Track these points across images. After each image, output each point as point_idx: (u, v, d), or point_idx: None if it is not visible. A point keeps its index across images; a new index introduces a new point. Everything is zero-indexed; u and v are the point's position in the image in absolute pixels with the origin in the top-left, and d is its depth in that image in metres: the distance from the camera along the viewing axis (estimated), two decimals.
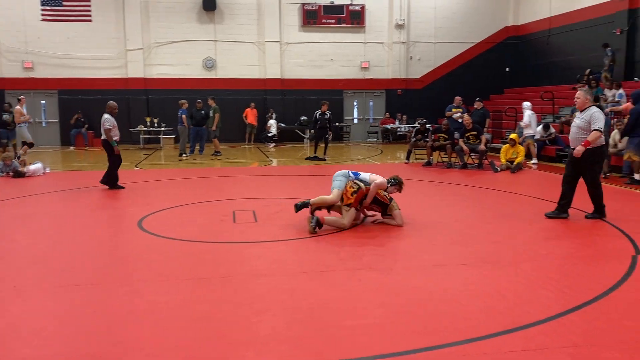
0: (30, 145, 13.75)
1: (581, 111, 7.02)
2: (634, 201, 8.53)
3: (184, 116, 15.77)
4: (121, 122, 20.07)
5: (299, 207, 6.75)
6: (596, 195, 7.03)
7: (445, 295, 4.23)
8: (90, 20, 19.99)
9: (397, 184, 6.99)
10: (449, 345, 3.35)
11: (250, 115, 20.61)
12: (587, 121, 6.83)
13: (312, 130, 15.47)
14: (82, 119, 19.74)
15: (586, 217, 7.12)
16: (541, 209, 7.76)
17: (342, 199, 6.58)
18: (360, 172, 6.87)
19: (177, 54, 20.76)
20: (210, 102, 16.27)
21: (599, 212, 7.06)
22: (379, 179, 6.73)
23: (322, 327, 3.64)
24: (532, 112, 14.33)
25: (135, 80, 20.48)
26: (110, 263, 5.23)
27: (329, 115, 15.35)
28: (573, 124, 7.14)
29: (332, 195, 6.65)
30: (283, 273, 4.82)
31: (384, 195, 6.76)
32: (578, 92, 7.16)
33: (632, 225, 6.63)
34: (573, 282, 4.53)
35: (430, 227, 6.64)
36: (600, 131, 6.74)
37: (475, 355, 3.22)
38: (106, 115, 9.87)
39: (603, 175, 9.83)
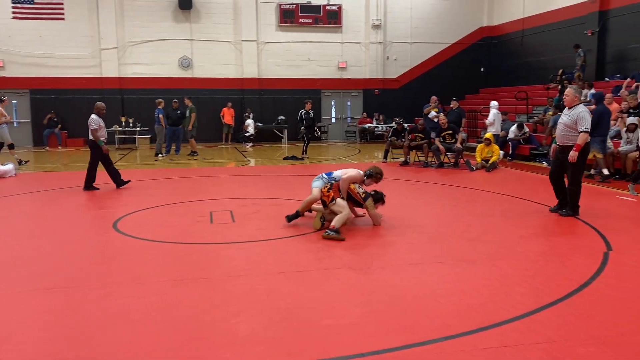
0: (11, 146, 13.44)
1: (569, 108, 7.11)
2: (604, 199, 8.71)
3: (161, 115, 15.60)
4: None
5: (291, 219, 6.74)
6: (574, 193, 7.15)
7: (422, 293, 4.26)
8: (63, 19, 19.64)
9: (373, 175, 6.91)
10: (426, 343, 3.37)
11: (227, 115, 20.49)
12: (574, 120, 6.93)
13: (302, 129, 15.54)
14: (55, 119, 19.38)
15: (561, 214, 7.23)
16: (516, 207, 7.88)
17: (324, 202, 6.53)
18: (334, 172, 6.89)
19: (153, 53, 20.53)
20: (187, 101, 16.12)
21: (573, 209, 7.17)
22: (350, 172, 6.70)
23: (300, 327, 3.63)
24: (498, 111, 14.73)
25: (110, 80, 20.19)
26: (85, 266, 5.13)
27: (312, 114, 15.62)
28: (560, 121, 7.25)
29: (313, 193, 6.69)
30: (261, 273, 4.80)
31: (358, 192, 6.64)
32: (567, 90, 7.23)
33: (603, 222, 6.77)
34: (547, 279, 4.60)
35: (407, 226, 6.69)
36: (587, 131, 6.84)
37: (452, 352, 3.25)
38: (93, 116, 9.84)
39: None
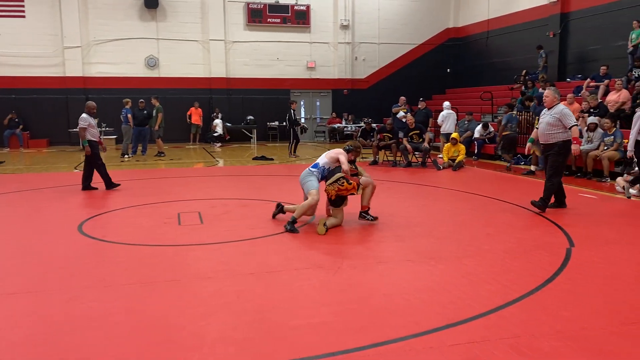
0: None
1: (549, 109, 7.42)
2: (567, 196, 8.93)
3: (129, 115, 15.33)
4: (60, 122, 19.56)
5: (290, 228, 6.38)
6: (549, 188, 7.42)
7: (391, 292, 4.30)
8: (23, 16, 19.12)
9: (353, 149, 6.95)
10: (395, 340, 3.40)
11: (195, 115, 20.29)
12: (557, 118, 7.23)
13: (296, 128, 16.00)
14: (17, 119, 18.85)
15: (532, 202, 7.52)
16: (482, 205, 8.02)
17: (343, 198, 6.59)
18: (318, 162, 6.82)
19: (118, 52, 20.16)
20: (154, 101, 15.89)
21: (543, 203, 7.44)
22: (338, 157, 6.65)
23: (269, 328, 3.62)
24: (451, 111, 15.27)
25: (74, 79, 19.75)
26: (49, 269, 5.00)
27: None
28: (542, 120, 7.51)
29: (312, 197, 6.48)
30: (230, 275, 4.77)
31: (345, 186, 6.44)
32: (547, 91, 7.54)
33: (566, 219, 6.96)
34: (513, 276, 4.70)
35: (376, 225, 6.73)
36: (577, 125, 7.22)
37: (421, 349, 3.29)
38: (83, 115, 9.70)
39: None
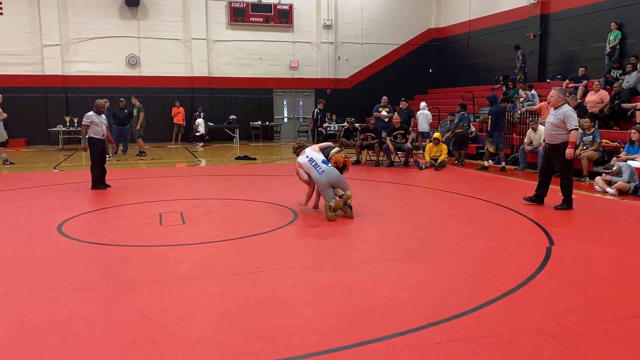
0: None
1: (555, 108, 7.49)
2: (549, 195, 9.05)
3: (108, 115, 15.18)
4: (39, 121, 19.27)
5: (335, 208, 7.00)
6: (568, 188, 7.53)
7: (374, 291, 4.31)
8: (1, 14, 18.79)
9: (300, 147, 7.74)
10: (378, 339, 3.41)
11: (178, 115, 20.15)
12: (561, 119, 7.29)
13: (321, 129, 15.66)
14: None
15: (555, 207, 7.60)
16: (463, 205, 8.09)
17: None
18: (316, 161, 7.22)
19: (98, 50, 19.93)
20: (134, 100, 15.75)
21: (567, 203, 7.57)
22: (315, 147, 7.56)
23: (252, 328, 3.61)
24: (427, 112, 15.82)
25: (53, 78, 19.47)
26: (27, 271, 4.92)
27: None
28: (548, 120, 7.61)
29: (350, 191, 7.27)
30: (212, 276, 4.74)
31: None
32: (552, 91, 7.56)
33: (545, 217, 7.05)
34: (494, 274, 4.74)
35: (359, 224, 6.75)
36: (577, 129, 7.29)
37: (404, 348, 3.30)
38: (89, 112, 9.62)
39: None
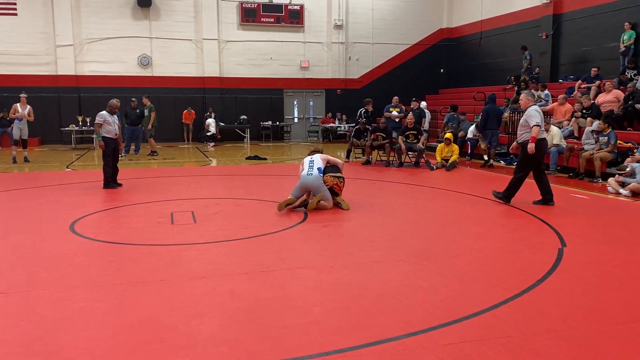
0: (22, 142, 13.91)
1: (524, 111, 7.98)
2: (558, 196, 8.97)
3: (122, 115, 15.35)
4: (52, 121, 19.45)
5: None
6: (515, 182, 7.92)
7: (384, 291, 4.30)
8: (15, 14, 19.01)
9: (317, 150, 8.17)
10: (388, 340, 3.40)
11: (187, 117, 20.30)
12: (526, 119, 7.76)
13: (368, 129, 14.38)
14: (8, 118, 18.67)
15: (494, 194, 8.28)
16: (474, 205, 8.05)
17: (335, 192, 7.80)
18: (314, 164, 7.69)
19: (111, 50, 20.08)
20: (145, 100, 15.84)
21: (506, 195, 8.03)
22: (322, 157, 7.91)
23: (261, 328, 3.61)
24: (425, 110, 15.96)
25: (66, 78, 19.64)
26: (40, 269, 4.97)
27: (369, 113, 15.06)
28: (520, 122, 8.09)
29: (330, 204, 7.64)
30: (222, 275, 4.75)
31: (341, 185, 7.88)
32: (521, 95, 8.20)
33: (557, 219, 6.99)
34: (504, 275, 4.71)
35: (369, 225, 6.74)
36: (539, 125, 7.62)
37: (414, 348, 3.29)
38: (102, 112, 9.73)
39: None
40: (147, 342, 3.40)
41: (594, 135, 10.98)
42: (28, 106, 14.19)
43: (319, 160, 7.78)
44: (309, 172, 7.63)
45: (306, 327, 3.60)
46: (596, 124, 11.18)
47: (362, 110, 14.99)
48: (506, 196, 8.03)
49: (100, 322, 3.71)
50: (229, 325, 3.65)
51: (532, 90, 15.47)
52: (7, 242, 6.00)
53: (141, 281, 4.58)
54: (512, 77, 17.87)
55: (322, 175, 7.66)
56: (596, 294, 4.27)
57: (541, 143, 7.76)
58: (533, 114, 7.72)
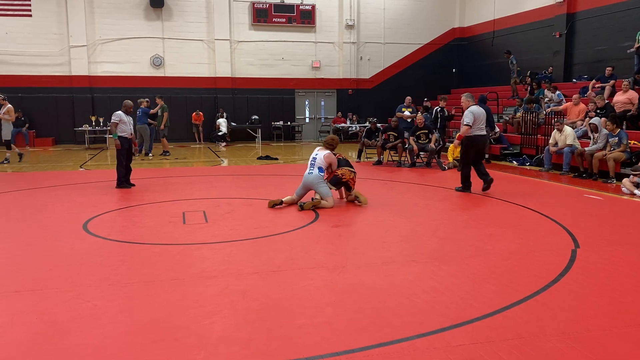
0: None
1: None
2: (571, 197, 8.90)
3: (151, 111, 15.51)
4: (65, 121, 19.65)
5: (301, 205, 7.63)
6: (464, 174, 9.07)
7: (395, 292, 4.29)
8: (30, 15, 19.22)
9: (329, 144, 8.13)
10: (399, 341, 3.39)
11: (196, 118, 20.45)
12: (462, 119, 8.92)
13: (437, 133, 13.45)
14: (23, 118, 18.89)
15: (456, 189, 9.23)
16: (486, 206, 8.00)
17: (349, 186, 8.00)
18: (315, 164, 7.86)
19: (124, 51, 20.23)
20: (158, 100, 15.93)
21: (463, 185, 9.12)
22: (323, 158, 7.93)
23: (273, 327, 3.62)
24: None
25: (80, 78, 19.83)
26: (53, 267, 5.02)
27: (446, 112, 14.35)
28: None
29: (331, 202, 7.71)
30: (234, 274, 4.77)
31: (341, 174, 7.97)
32: (462, 98, 9.28)
33: (571, 219, 6.93)
34: (517, 276, 4.68)
35: (380, 225, 6.73)
36: (468, 125, 8.74)
37: (425, 349, 3.28)
38: (117, 111, 9.82)
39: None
40: (159, 341, 3.42)
41: (593, 135, 10.97)
42: (8, 105, 14.03)
43: (321, 159, 7.89)
44: (310, 171, 7.84)
45: (317, 327, 3.60)
46: (596, 119, 11.11)
47: (437, 108, 14.24)
48: (465, 188, 9.08)
49: (112, 321, 3.74)
50: (241, 325, 3.66)
51: (545, 90, 15.40)
52: (21, 240, 6.07)
53: (153, 280, 4.61)
54: (527, 77, 17.72)
55: (322, 174, 7.86)
56: (610, 295, 4.23)
57: (476, 139, 8.82)
58: (467, 114, 8.78)
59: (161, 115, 15.82)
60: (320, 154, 7.96)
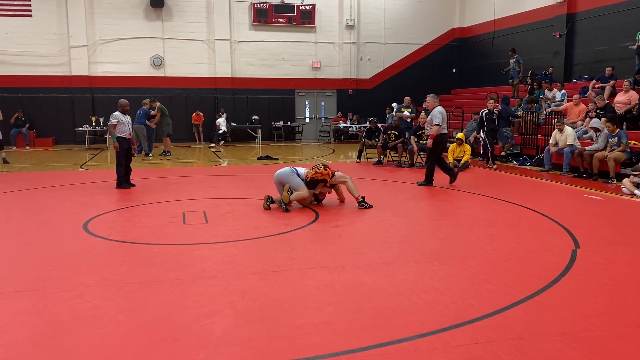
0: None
1: (430, 110, 9.79)
2: (572, 197, 8.90)
3: (151, 112, 15.54)
4: (66, 121, 19.66)
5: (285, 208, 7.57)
6: (429, 168, 9.73)
7: (396, 292, 4.29)
8: (30, 15, 19.22)
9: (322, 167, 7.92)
10: (399, 341, 3.39)
11: (196, 119, 20.46)
12: (431, 118, 9.58)
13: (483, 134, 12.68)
14: (23, 118, 18.94)
15: (417, 183, 9.91)
16: (486, 206, 8.00)
17: (325, 180, 7.77)
18: (298, 169, 7.89)
19: (124, 51, 20.23)
20: (154, 104, 16.01)
21: (427, 180, 9.76)
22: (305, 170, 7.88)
23: (273, 327, 3.62)
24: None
25: (80, 78, 19.83)
26: (53, 267, 5.02)
27: (495, 114, 12.81)
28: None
29: (304, 190, 7.66)
30: (234, 274, 4.77)
31: (321, 170, 7.78)
32: (427, 98, 10.06)
33: (571, 220, 6.93)
34: (517, 277, 4.68)
35: (380, 225, 6.73)
36: (439, 125, 9.42)
37: (425, 349, 3.28)
38: (115, 112, 9.82)
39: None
40: (159, 341, 3.43)
41: (590, 132, 11.00)
42: None
43: (304, 172, 7.87)
44: (283, 169, 7.98)
45: (318, 327, 3.60)
46: (595, 121, 11.11)
47: (484, 111, 12.95)
48: (428, 182, 9.74)
49: (112, 320, 3.74)
50: (241, 325, 3.66)
51: (546, 90, 15.40)
52: (21, 240, 6.07)
53: (153, 280, 4.61)
54: (528, 77, 17.71)
55: (296, 173, 7.84)
56: (610, 295, 4.23)
57: (443, 136, 9.62)
58: (436, 114, 9.42)
59: (154, 115, 15.88)
60: (305, 171, 7.90)
